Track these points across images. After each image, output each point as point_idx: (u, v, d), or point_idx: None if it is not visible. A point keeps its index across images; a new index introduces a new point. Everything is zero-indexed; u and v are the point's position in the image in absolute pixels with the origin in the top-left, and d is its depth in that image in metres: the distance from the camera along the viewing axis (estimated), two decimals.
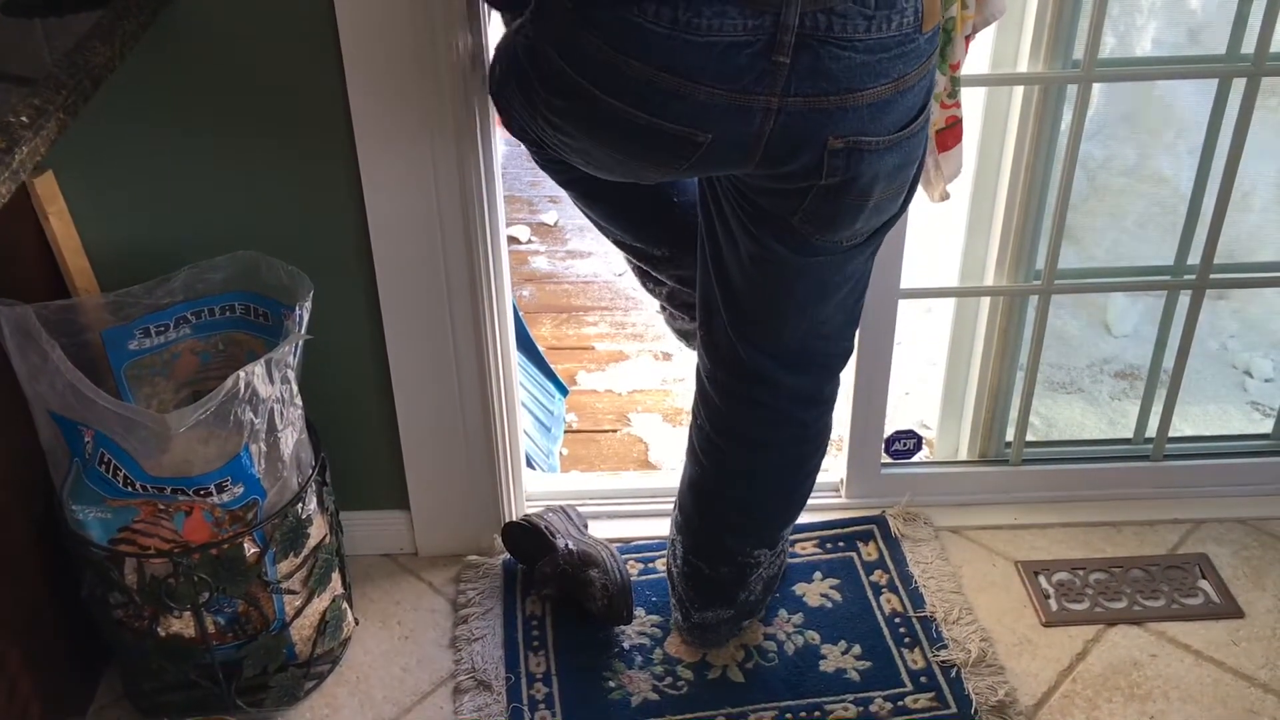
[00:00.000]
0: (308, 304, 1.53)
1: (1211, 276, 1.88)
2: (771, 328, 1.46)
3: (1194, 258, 1.88)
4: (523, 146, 1.54)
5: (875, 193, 1.26)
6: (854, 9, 1.13)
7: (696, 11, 1.10)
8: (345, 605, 1.76)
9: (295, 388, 1.55)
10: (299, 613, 1.64)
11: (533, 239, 3.15)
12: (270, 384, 1.48)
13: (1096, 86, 1.80)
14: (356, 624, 1.81)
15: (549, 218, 3.25)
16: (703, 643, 1.73)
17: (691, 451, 1.63)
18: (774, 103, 1.13)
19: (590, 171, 1.36)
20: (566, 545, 1.79)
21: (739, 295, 1.44)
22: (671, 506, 1.72)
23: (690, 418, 1.64)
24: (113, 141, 1.55)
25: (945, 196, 1.61)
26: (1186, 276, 1.89)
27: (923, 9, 1.17)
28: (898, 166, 1.25)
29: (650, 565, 1.89)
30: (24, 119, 1.10)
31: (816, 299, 1.42)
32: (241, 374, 1.43)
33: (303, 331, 1.52)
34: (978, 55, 1.72)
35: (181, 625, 1.57)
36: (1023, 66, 1.72)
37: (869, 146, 1.19)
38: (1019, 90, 1.74)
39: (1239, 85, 1.74)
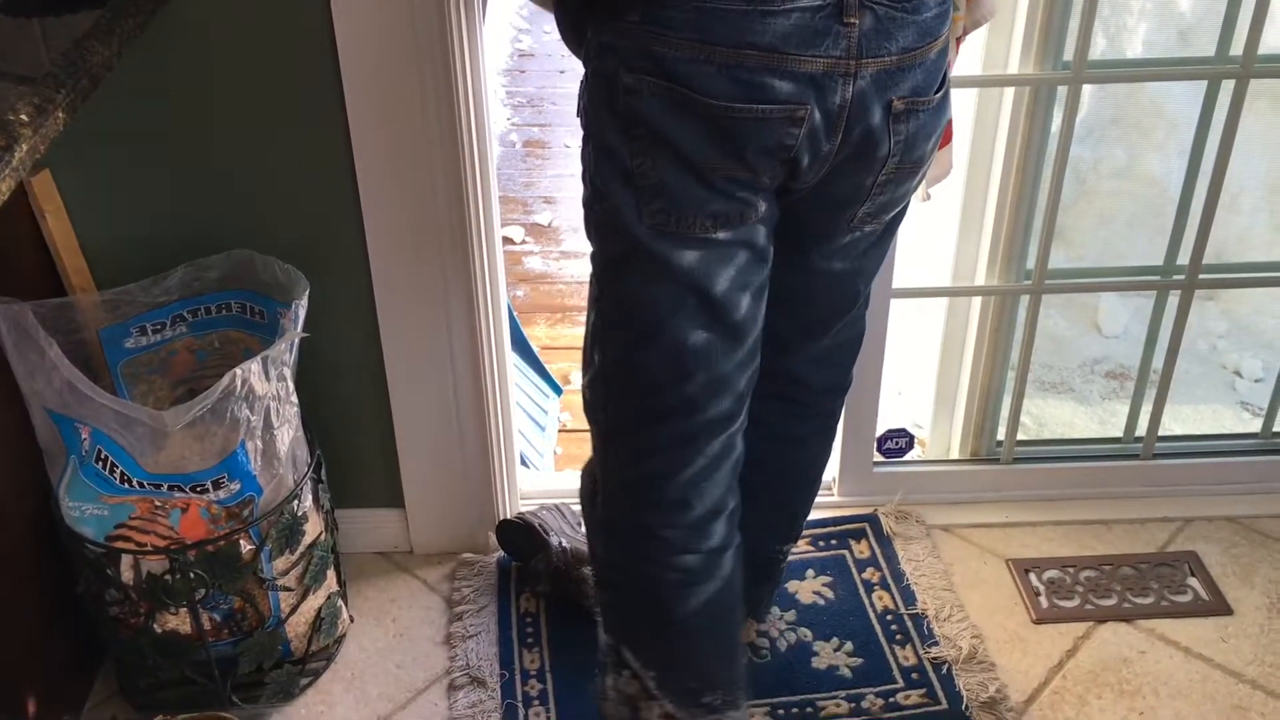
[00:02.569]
0: (304, 302, 1.54)
1: (1200, 277, 1.89)
2: (813, 335, 1.46)
3: (1183, 258, 1.89)
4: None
5: (929, 155, 1.27)
6: None
7: None
8: (340, 602, 1.77)
9: (291, 385, 1.56)
10: (294, 609, 1.65)
11: (527, 239, 3.16)
12: (266, 381, 1.49)
13: (1087, 88, 1.82)
14: (351, 621, 1.81)
15: (543, 218, 3.27)
16: None
17: None
18: (851, 66, 1.12)
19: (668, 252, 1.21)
20: (560, 543, 1.80)
21: (778, 317, 1.41)
22: None
23: None
24: (109, 140, 1.56)
25: (926, 198, 1.62)
26: (1176, 276, 1.91)
27: None
28: (938, 126, 1.26)
29: None
30: (24, 117, 1.10)
31: (854, 297, 1.43)
32: (238, 371, 1.44)
33: (299, 329, 1.53)
34: (969, 57, 1.74)
35: (177, 622, 1.58)
36: (1013, 68, 1.73)
37: (924, 106, 1.20)
38: (1010, 92, 1.75)
39: (1228, 87, 1.76)
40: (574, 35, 1.23)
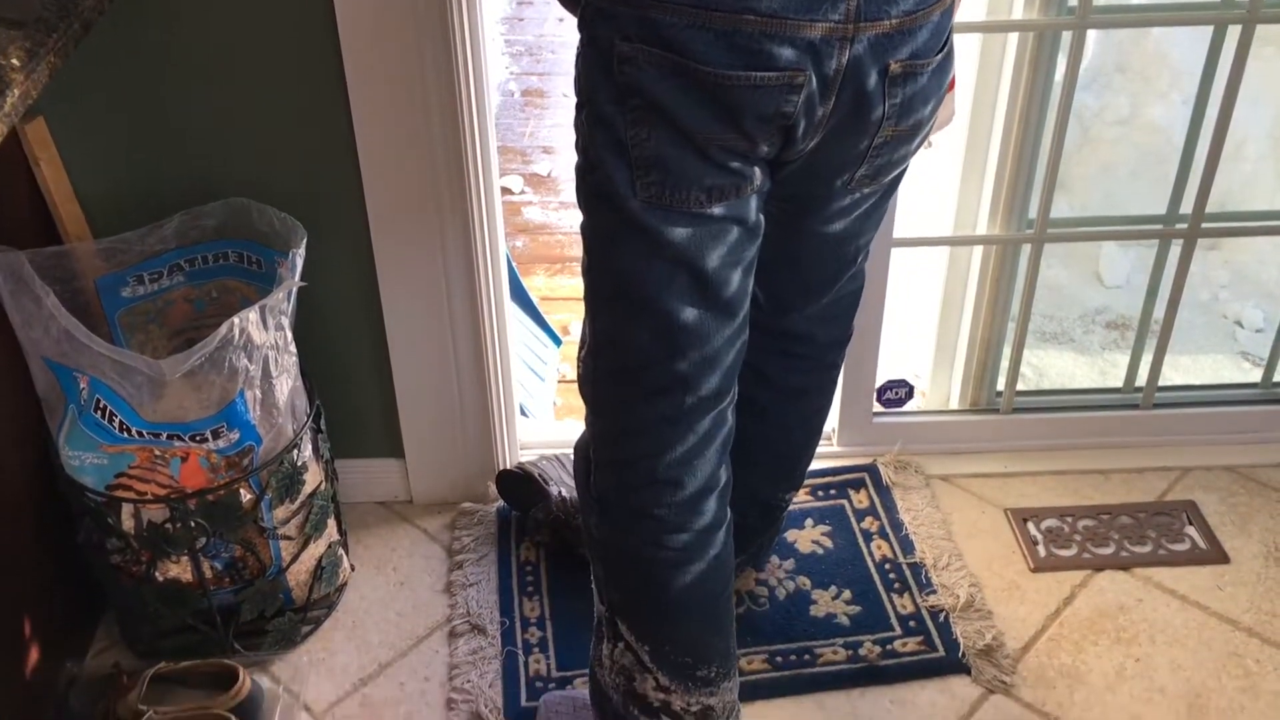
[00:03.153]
0: (301, 251, 1.53)
1: (1203, 225, 1.88)
2: (815, 294, 1.46)
3: (1186, 207, 1.88)
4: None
5: (929, 118, 1.25)
6: None
7: None
8: (341, 551, 1.77)
9: (289, 335, 1.56)
10: (295, 558, 1.65)
11: (526, 190, 3.15)
12: (264, 330, 1.48)
13: (1091, 34, 1.80)
14: (352, 570, 1.82)
15: (542, 168, 3.25)
16: None
17: None
18: (849, 30, 1.10)
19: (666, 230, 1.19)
20: (560, 492, 1.81)
21: (780, 280, 1.43)
22: None
23: None
24: (104, 87, 1.54)
25: (929, 145, 1.61)
26: (1179, 225, 1.90)
27: None
28: (939, 88, 1.24)
29: None
30: (15, 62, 1.09)
31: (854, 256, 1.42)
32: (236, 320, 1.43)
33: (296, 278, 1.52)
34: (972, 2, 1.72)
35: (179, 570, 1.59)
36: (1018, 13, 1.71)
37: (923, 69, 1.17)
38: (1013, 37, 1.73)
39: (1234, 32, 1.74)
40: (575, 3, 1.20)
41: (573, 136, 1.22)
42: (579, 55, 1.17)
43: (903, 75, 1.15)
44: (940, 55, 1.19)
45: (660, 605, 1.34)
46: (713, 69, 1.08)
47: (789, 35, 1.07)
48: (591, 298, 1.27)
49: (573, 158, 1.23)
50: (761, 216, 1.23)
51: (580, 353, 1.32)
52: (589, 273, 1.26)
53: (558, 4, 1.28)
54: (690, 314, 1.21)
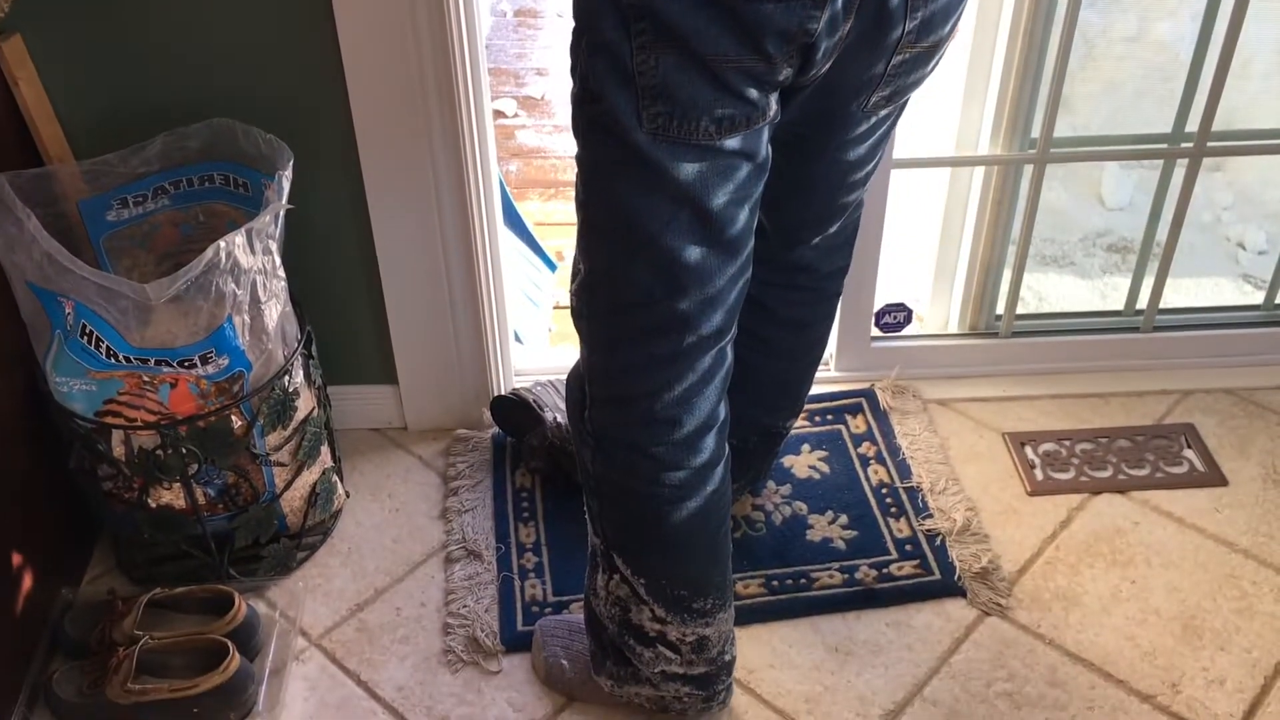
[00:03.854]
0: (288, 173, 1.50)
1: (1209, 145, 1.85)
2: (823, 224, 1.42)
3: (1191, 126, 1.84)
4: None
5: (948, 36, 1.20)
6: None
7: None
8: (335, 478, 1.77)
9: (278, 259, 1.53)
10: (289, 485, 1.65)
11: (519, 113, 3.10)
12: (252, 255, 1.46)
13: None
14: (347, 497, 1.82)
15: (535, 91, 3.19)
16: None
17: None
18: None
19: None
20: (555, 418, 1.80)
21: (790, 211, 1.39)
22: None
23: None
24: (81, 2, 1.50)
25: None
26: (1184, 145, 1.86)
27: None
28: (959, 6, 1.19)
29: None
30: None
31: (864, 181, 1.38)
32: (222, 243, 1.41)
33: (284, 201, 1.49)
34: None
35: (171, 496, 1.58)
36: None
37: None
38: None
39: None
40: None
41: (567, 60, 1.17)
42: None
43: None
44: None
45: (657, 540, 1.33)
46: None
47: None
48: (587, 231, 1.23)
49: (567, 81, 1.18)
50: (770, 150, 1.18)
51: (573, 285, 1.28)
52: (585, 206, 1.21)
53: None
54: (693, 252, 1.16)
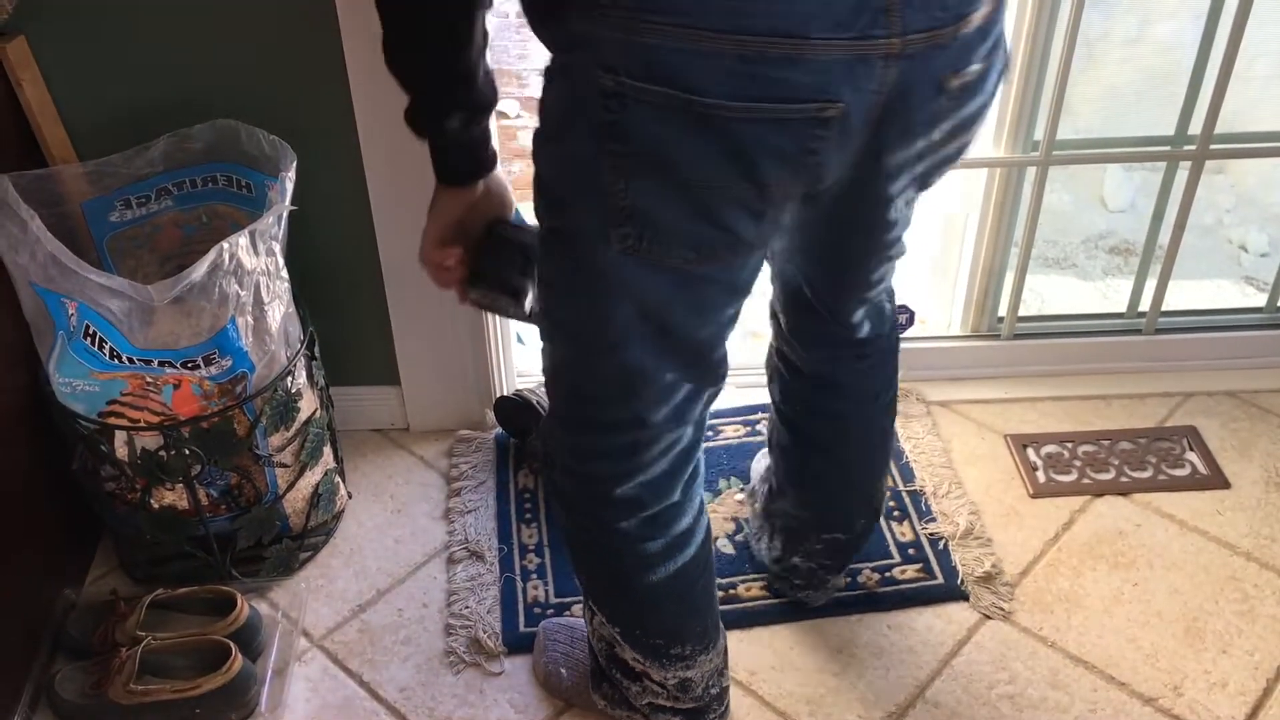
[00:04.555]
0: (291, 174, 1.50)
1: (1212, 147, 1.85)
2: (871, 287, 1.31)
3: (1194, 128, 1.84)
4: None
5: (986, 109, 1.07)
6: None
7: None
8: (338, 479, 1.77)
9: (281, 260, 1.53)
10: (291, 486, 1.65)
11: (522, 114, 3.09)
12: (255, 256, 1.46)
13: None
14: (349, 497, 1.82)
15: (537, 92, 3.19)
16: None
17: (794, 441, 1.48)
18: (895, 46, 0.92)
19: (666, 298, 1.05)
20: None
21: (831, 291, 1.31)
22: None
23: (776, 410, 1.51)
24: (85, 4, 1.50)
25: None
26: (1187, 147, 1.86)
27: None
28: (999, 65, 1.06)
29: None
30: None
31: (905, 230, 1.26)
32: (225, 245, 1.41)
33: (287, 202, 1.49)
34: None
35: (174, 497, 1.58)
36: None
37: (974, 76, 1.00)
38: None
39: None
40: (544, 22, 1.00)
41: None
42: (546, 80, 1.00)
43: (957, 84, 0.99)
44: (991, 50, 1.02)
45: (628, 599, 1.30)
46: (723, 101, 0.90)
47: (820, 57, 0.90)
48: (548, 320, 1.15)
49: None
50: (757, 273, 1.10)
51: (543, 360, 1.20)
52: (546, 289, 1.12)
53: (508, 192, 1.11)
54: (653, 369, 1.10)
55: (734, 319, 1.13)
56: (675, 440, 1.20)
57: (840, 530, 1.53)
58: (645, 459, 1.19)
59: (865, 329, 1.37)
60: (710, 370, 1.15)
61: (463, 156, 1.12)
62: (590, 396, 1.16)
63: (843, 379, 1.41)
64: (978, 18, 0.97)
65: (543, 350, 1.19)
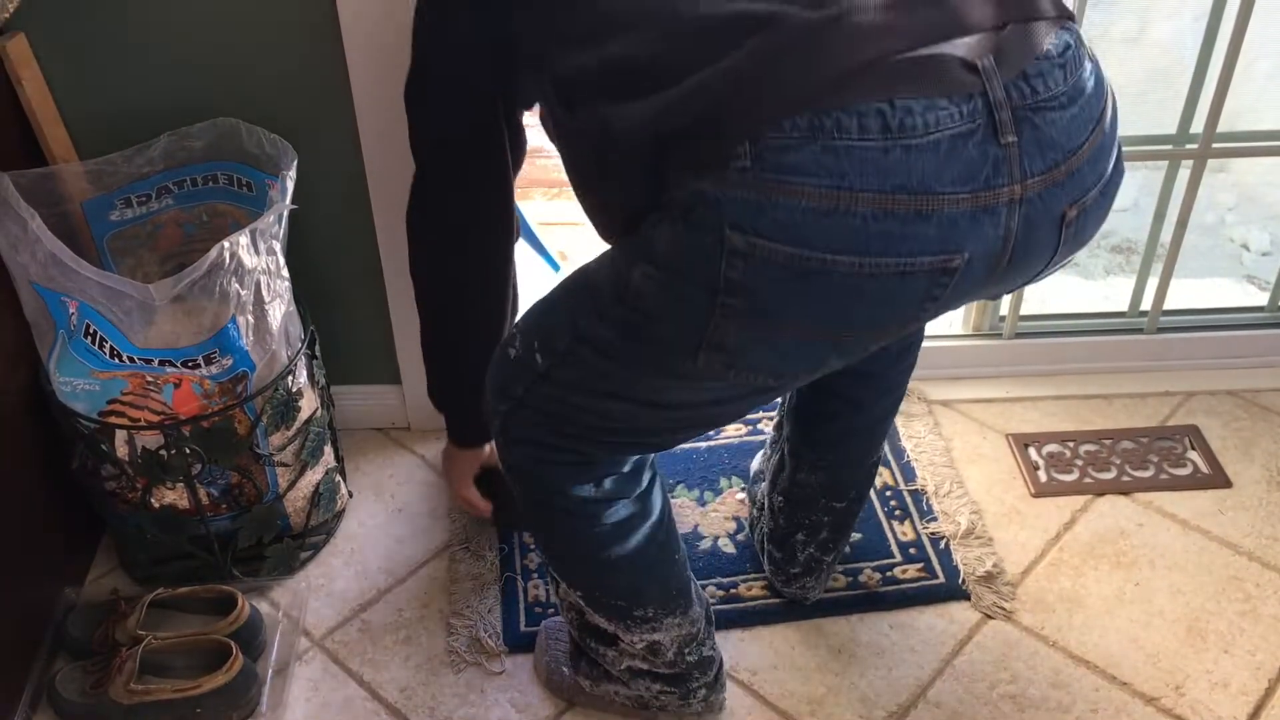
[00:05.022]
0: (292, 173, 1.50)
1: (1214, 146, 1.84)
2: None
3: (1195, 127, 1.84)
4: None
5: (1091, 239, 1.10)
6: (1046, 64, 0.96)
7: (907, 110, 0.90)
8: (338, 478, 1.76)
9: (281, 259, 1.53)
10: (292, 485, 1.64)
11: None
12: (255, 255, 1.46)
13: None
14: (350, 496, 1.82)
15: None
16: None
17: (821, 401, 1.48)
18: (1017, 191, 0.94)
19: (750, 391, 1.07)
20: None
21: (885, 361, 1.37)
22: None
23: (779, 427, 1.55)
24: (85, 2, 1.49)
25: None
26: (1189, 146, 1.86)
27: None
28: (1115, 194, 1.09)
29: None
30: None
31: None
32: (226, 244, 1.41)
33: (287, 201, 1.49)
34: None
35: (175, 497, 1.58)
36: None
37: (1092, 200, 1.03)
38: None
39: None
40: (655, 186, 0.97)
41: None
42: (659, 214, 0.98)
43: (1077, 215, 1.01)
44: (1111, 166, 1.05)
45: (585, 564, 1.30)
46: (856, 258, 0.92)
47: (947, 211, 0.92)
48: (560, 346, 1.11)
49: None
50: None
51: (512, 348, 1.17)
52: (571, 337, 1.10)
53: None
54: (670, 436, 1.14)
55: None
56: (644, 458, 1.24)
57: (841, 498, 1.54)
58: (602, 471, 1.21)
59: (884, 381, 1.43)
60: (718, 429, 1.19)
61: (479, 428, 1.28)
62: (568, 420, 1.15)
63: (858, 397, 1.44)
64: (1089, 148, 0.99)
65: (521, 346, 1.16)
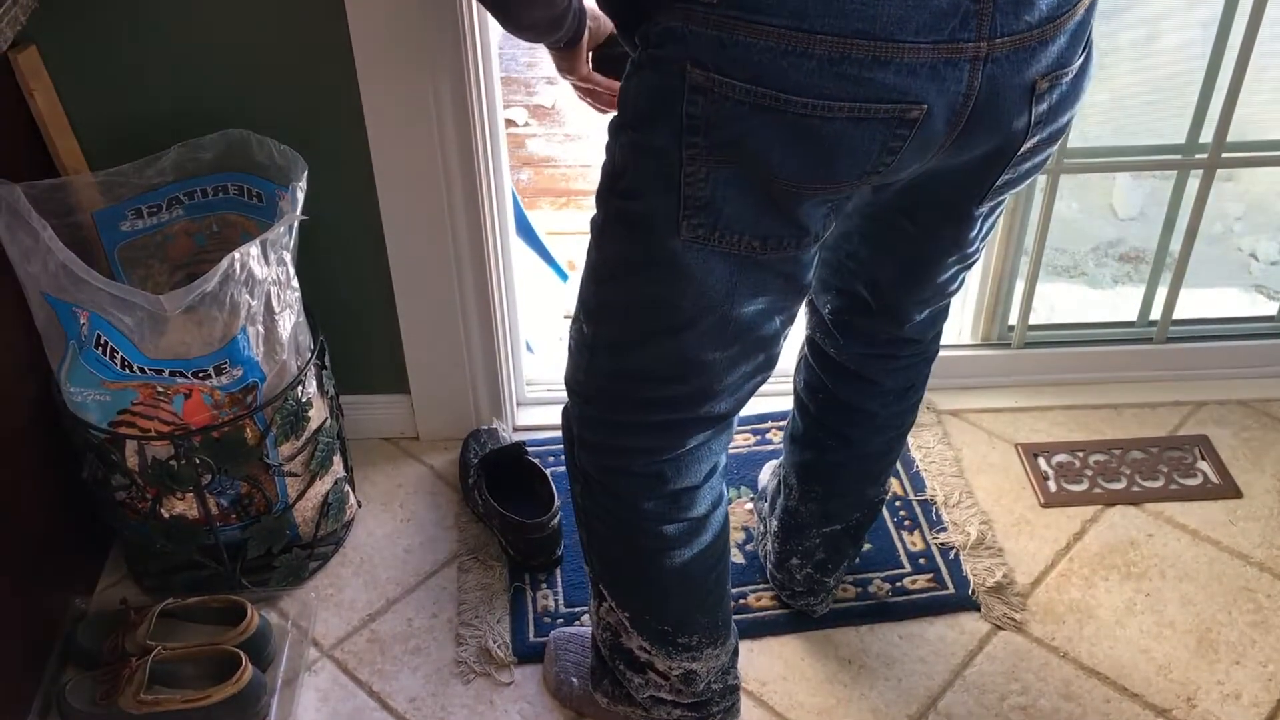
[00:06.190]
0: (302, 184, 1.50)
1: (1223, 156, 1.84)
2: (934, 299, 1.33)
3: (1204, 137, 1.84)
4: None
5: (1069, 122, 1.08)
6: None
7: None
8: (347, 488, 1.76)
9: (291, 270, 1.53)
10: (301, 495, 1.64)
11: (530, 121, 3.10)
12: (266, 265, 1.46)
13: None
14: (359, 506, 1.82)
15: (546, 100, 3.19)
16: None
17: (812, 432, 1.49)
18: (982, 49, 0.93)
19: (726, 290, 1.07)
20: None
21: (901, 293, 1.31)
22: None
23: (797, 401, 1.52)
24: (97, 15, 1.50)
25: None
26: (1198, 156, 1.86)
27: None
28: (1087, 79, 1.07)
29: None
30: None
31: (983, 245, 1.27)
32: (236, 255, 1.41)
33: (298, 212, 1.49)
34: None
35: (184, 507, 1.58)
36: None
37: (1066, 77, 1.01)
38: None
39: None
40: (632, 18, 1.02)
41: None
42: (630, 73, 1.02)
43: (1048, 89, 1.00)
44: (1084, 55, 1.03)
45: (641, 581, 1.31)
46: (809, 99, 0.92)
47: (906, 60, 0.91)
48: (597, 302, 1.16)
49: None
50: (810, 271, 1.11)
51: (572, 336, 1.22)
52: (598, 283, 1.14)
53: (603, 17, 1.14)
54: (710, 353, 1.12)
55: (790, 318, 1.16)
56: (716, 418, 1.21)
57: (838, 522, 1.54)
58: (681, 434, 1.21)
59: (915, 331, 1.37)
60: (764, 353, 1.17)
61: (579, 24, 1.24)
62: (634, 375, 1.17)
63: (877, 374, 1.41)
64: (1069, 19, 0.98)
65: (577, 329, 1.20)
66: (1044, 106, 1.01)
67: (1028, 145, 1.04)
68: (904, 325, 1.35)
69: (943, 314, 1.41)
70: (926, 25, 0.91)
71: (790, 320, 1.16)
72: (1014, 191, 1.16)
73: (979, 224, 1.19)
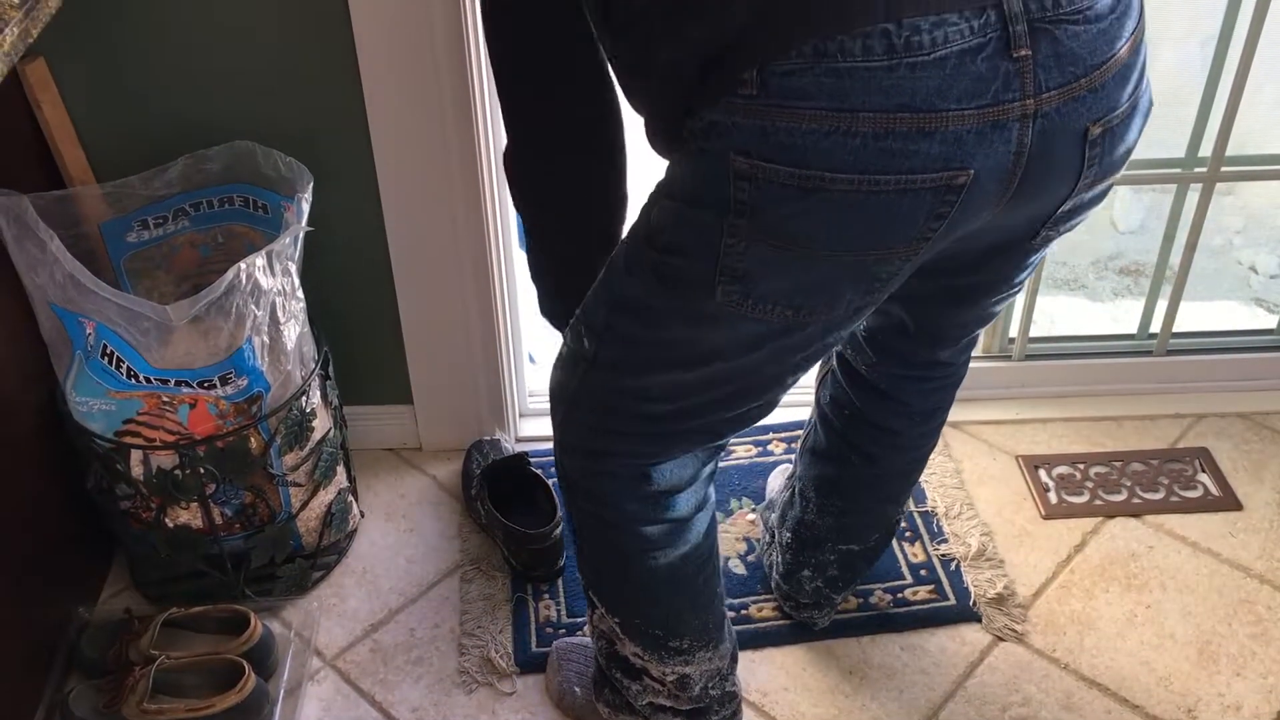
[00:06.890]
0: (307, 195, 1.51)
1: (1223, 169, 1.85)
2: (975, 327, 1.33)
3: (1203, 151, 1.85)
4: None
5: (1134, 146, 1.07)
6: None
7: (914, 29, 0.89)
8: (351, 498, 1.77)
9: (297, 281, 1.54)
10: (305, 505, 1.65)
11: None
12: (271, 276, 1.47)
13: None
14: (362, 516, 1.82)
15: None
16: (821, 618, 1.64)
17: (835, 447, 1.49)
18: (1029, 106, 0.93)
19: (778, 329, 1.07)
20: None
21: (938, 319, 1.31)
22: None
23: (820, 414, 1.51)
24: (106, 27, 1.51)
25: None
26: (1198, 169, 1.87)
27: None
28: (1143, 115, 1.06)
29: None
30: (14, 0, 1.07)
31: (1029, 277, 1.28)
32: (242, 266, 1.42)
33: (303, 223, 1.50)
34: None
35: (189, 516, 1.59)
36: None
37: (1119, 120, 1.00)
38: None
39: None
40: (669, 115, 1.01)
41: None
42: (684, 153, 1.02)
43: (1100, 133, 0.99)
44: (1134, 86, 1.01)
45: (627, 584, 1.31)
46: (855, 175, 0.92)
47: (951, 129, 0.91)
48: (603, 325, 1.15)
49: None
50: (840, 331, 1.11)
51: (568, 344, 1.22)
52: (612, 310, 1.13)
53: (646, 123, 1.08)
54: (713, 393, 1.14)
55: (805, 371, 1.16)
56: (708, 439, 1.22)
57: (855, 542, 1.53)
58: (671, 444, 1.21)
59: (950, 354, 1.37)
60: (773, 395, 1.18)
61: None
62: (634, 395, 1.17)
63: (907, 395, 1.41)
64: (1115, 63, 0.97)
65: (575, 340, 1.19)
66: (1098, 150, 1.01)
67: (1082, 186, 1.04)
68: (941, 349, 1.35)
69: (976, 338, 1.40)
70: (968, 91, 0.91)
71: (804, 373, 1.17)
72: (1066, 229, 1.14)
73: (1030, 259, 1.19)
